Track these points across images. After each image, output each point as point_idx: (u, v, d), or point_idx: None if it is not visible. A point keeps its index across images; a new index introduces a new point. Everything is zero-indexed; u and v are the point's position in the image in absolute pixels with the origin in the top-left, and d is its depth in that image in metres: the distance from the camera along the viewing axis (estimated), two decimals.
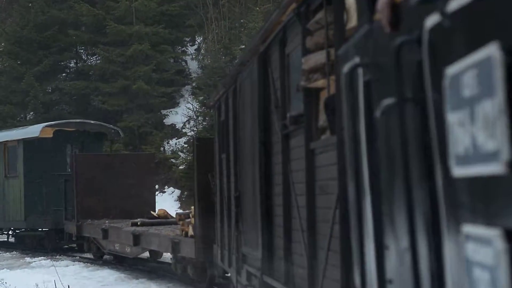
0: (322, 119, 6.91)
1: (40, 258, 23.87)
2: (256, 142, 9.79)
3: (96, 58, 41.22)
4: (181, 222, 16.75)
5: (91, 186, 22.35)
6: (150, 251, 19.95)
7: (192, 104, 35.93)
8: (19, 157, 25.98)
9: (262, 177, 9.60)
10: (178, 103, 38.59)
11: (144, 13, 37.19)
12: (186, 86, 39.52)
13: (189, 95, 38.79)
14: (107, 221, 20.99)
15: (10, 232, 27.36)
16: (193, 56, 40.97)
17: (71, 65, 42.28)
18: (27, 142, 25.72)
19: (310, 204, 7.28)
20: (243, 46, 34.25)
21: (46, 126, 25.89)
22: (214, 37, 37.95)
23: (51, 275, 18.52)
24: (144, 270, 20.08)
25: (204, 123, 34.19)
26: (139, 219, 19.51)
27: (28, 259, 24.05)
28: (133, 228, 18.84)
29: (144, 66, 35.97)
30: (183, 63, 40.62)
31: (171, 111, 37.61)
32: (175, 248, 16.20)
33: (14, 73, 38.86)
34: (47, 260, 22.93)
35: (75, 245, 24.63)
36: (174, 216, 19.42)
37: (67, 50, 41.03)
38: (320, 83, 6.99)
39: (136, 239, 18.14)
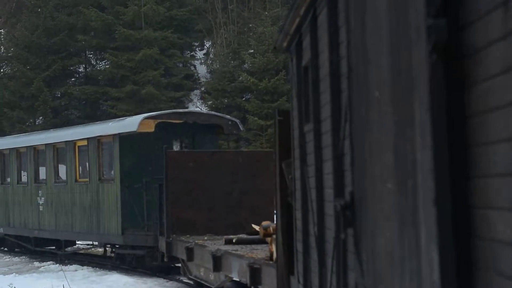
0: None
1: (48, 262, 23.87)
2: (421, 63, 3.52)
3: (105, 63, 41.30)
4: (268, 239, 12.07)
5: (189, 193, 17.41)
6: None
7: (201, 109, 35.94)
8: (115, 156, 21.03)
9: (443, 157, 3.28)
10: (187, 107, 38.62)
11: (153, 18, 37.24)
12: (195, 91, 39.57)
13: (198, 99, 38.83)
14: (205, 237, 16.33)
15: (108, 247, 22.55)
16: (202, 61, 41.01)
17: (80, 70, 42.37)
18: (123, 138, 20.72)
19: None
20: (252, 51, 34.29)
21: (146, 118, 20.69)
22: (223, 42, 37.97)
23: (59, 280, 18.51)
24: (154, 275, 20.03)
25: None
26: (236, 235, 14.93)
27: (36, 263, 24.04)
28: (217, 247, 14.10)
29: (153, 71, 36.00)
30: (192, 68, 40.66)
31: None
32: (254, 277, 11.66)
33: (24, 78, 38.96)
34: (56, 265, 22.92)
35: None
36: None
37: (76, 55, 41.13)
38: None
39: (217, 263, 13.54)
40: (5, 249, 27.32)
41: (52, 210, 24.06)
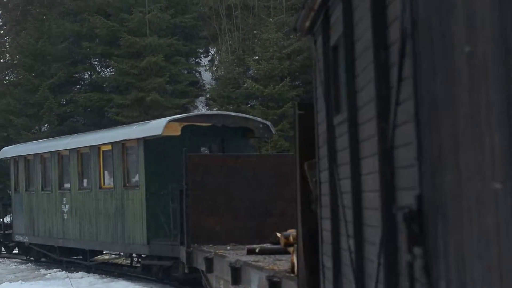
0: None
1: (55, 269, 23.88)
2: None
3: (110, 70, 41.33)
4: (290, 249, 11.08)
5: (211, 199, 16.11)
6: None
7: None
8: (139, 161, 19.90)
9: None
10: None
11: (158, 25, 37.28)
12: (200, 98, 39.59)
13: (203, 106, 38.84)
14: (228, 247, 14.96)
15: (134, 257, 21.62)
16: (207, 68, 41.03)
17: (85, 77, 42.42)
18: (148, 142, 19.65)
19: None
20: (257, 57, 34.31)
21: (172, 120, 19.55)
22: (228, 48, 38.00)
23: (66, 287, 18.54)
24: (159, 281, 20.00)
25: None
26: (259, 245, 13.67)
27: (43, 270, 24.07)
28: (237, 258, 12.82)
29: (158, 78, 36.02)
30: (197, 75, 40.69)
31: None
32: None
33: (29, 85, 39.01)
34: (62, 272, 22.93)
35: None
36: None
37: (81, 62, 41.17)
38: None
39: (236, 275, 12.28)
40: (31, 258, 26.55)
41: (77, 218, 23.01)
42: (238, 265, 12.25)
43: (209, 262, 14.10)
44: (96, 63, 42.78)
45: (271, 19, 35.22)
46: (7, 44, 48.80)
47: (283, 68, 32.90)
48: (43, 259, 25.99)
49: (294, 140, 8.79)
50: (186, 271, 16.18)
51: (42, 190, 25.16)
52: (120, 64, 37.12)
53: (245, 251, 13.59)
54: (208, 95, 38.32)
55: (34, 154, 25.75)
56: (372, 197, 5.35)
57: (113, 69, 39.59)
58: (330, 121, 7.10)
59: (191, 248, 15.65)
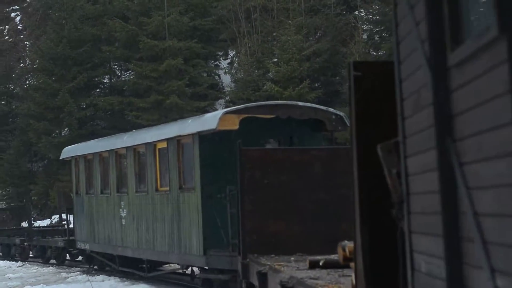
0: None
1: (76, 273, 23.94)
2: None
3: (129, 73, 41.43)
4: (352, 264, 8.86)
5: (273, 201, 13.49)
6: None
7: None
8: (195, 159, 17.29)
9: None
10: None
11: (177, 28, 37.33)
12: (220, 100, 39.59)
13: (222, 109, 38.85)
14: (292, 258, 12.44)
15: (194, 267, 18.62)
16: (226, 70, 41.04)
17: (105, 80, 42.54)
18: (204, 138, 17.16)
19: None
20: (276, 60, 34.29)
21: (228, 112, 17.05)
22: (247, 51, 37.99)
23: None
24: (181, 284, 19.97)
25: None
26: (324, 257, 10.98)
27: (64, 274, 24.13)
28: (291, 274, 10.33)
29: (177, 81, 36.05)
30: (216, 77, 40.70)
31: None
32: None
33: (49, 89, 39.17)
34: (83, 275, 22.97)
35: None
36: None
37: (101, 66, 41.29)
38: None
39: None
40: (95, 267, 24.53)
41: (134, 224, 20.76)
42: (291, 283, 9.84)
43: (263, 277, 11.63)
44: (115, 66, 42.90)
45: (290, 21, 35.20)
46: (27, 48, 49.05)
47: (303, 70, 32.87)
48: (107, 268, 23.71)
49: (350, 114, 6.29)
50: (243, 286, 13.46)
51: (101, 193, 23.07)
52: (139, 68, 37.19)
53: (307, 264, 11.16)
54: (227, 98, 38.33)
55: (93, 153, 23.65)
56: None
57: (133, 73, 39.68)
58: (440, 64, 4.10)
59: (248, 259, 13.14)
